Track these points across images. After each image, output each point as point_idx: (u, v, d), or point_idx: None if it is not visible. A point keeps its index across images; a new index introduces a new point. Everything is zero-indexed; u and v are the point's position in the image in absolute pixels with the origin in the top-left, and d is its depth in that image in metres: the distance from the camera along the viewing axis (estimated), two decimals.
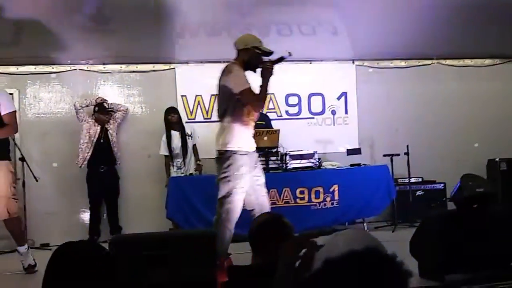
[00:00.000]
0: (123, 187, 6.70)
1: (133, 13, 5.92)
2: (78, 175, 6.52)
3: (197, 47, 6.75)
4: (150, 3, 5.88)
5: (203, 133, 6.81)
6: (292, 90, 7.29)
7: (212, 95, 7.08)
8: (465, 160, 7.22)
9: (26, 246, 4.67)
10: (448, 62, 7.69)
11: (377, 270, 0.80)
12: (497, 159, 7.16)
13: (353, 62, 7.50)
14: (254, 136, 4.21)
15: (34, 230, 6.36)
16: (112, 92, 6.94)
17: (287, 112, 7.34)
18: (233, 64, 4.02)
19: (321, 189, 6.05)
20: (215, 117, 7.03)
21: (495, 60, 7.79)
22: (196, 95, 7.09)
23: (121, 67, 6.98)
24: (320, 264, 0.79)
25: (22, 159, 5.84)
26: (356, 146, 7.01)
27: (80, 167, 6.44)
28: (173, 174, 6.37)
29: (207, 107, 7.12)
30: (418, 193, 6.85)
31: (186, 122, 6.81)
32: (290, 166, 6.13)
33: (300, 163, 6.19)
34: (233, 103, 3.95)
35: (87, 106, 6.54)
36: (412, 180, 6.75)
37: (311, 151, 6.33)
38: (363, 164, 6.54)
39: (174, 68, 7.04)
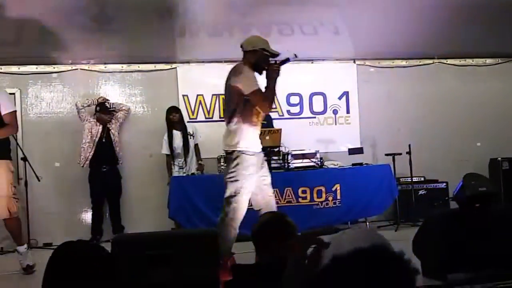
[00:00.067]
0: (125, 187, 6.71)
1: (134, 13, 5.92)
2: (80, 175, 6.53)
3: (198, 47, 6.76)
4: (151, 3, 5.88)
5: (205, 133, 6.82)
6: (294, 89, 7.29)
7: (213, 94, 7.09)
8: (467, 160, 7.23)
9: (25, 246, 4.67)
10: (450, 61, 7.69)
11: (384, 267, 0.80)
12: (499, 159, 7.16)
13: (355, 62, 7.51)
14: None
15: (36, 229, 6.36)
16: (113, 92, 6.95)
17: (288, 111, 7.34)
18: (242, 65, 4.04)
19: (323, 189, 6.05)
20: (216, 116, 7.16)
21: (497, 59, 7.79)
22: (198, 95, 7.09)
23: (122, 66, 6.99)
24: (328, 261, 0.80)
25: (24, 158, 5.84)
26: (358, 146, 7.02)
27: (82, 166, 6.44)
28: (175, 174, 6.38)
29: (208, 107, 7.12)
30: (421, 192, 6.85)
31: (188, 122, 6.82)
32: (292, 166, 6.13)
33: (302, 162, 6.19)
34: (242, 104, 3.97)
35: (88, 105, 6.54)
36: (414, 179, 6.75)
37: (313, 151, 6.33)
38: (365, 164, 6.54)
39: (176, 68, 7.05)
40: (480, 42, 7.19)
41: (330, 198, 6.06)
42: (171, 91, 7.02)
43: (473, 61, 7.76)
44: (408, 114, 7.47)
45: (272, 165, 6.08)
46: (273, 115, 7.04)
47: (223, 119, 6.87)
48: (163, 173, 6.61)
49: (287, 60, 4.02)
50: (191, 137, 6.63)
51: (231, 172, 3.97)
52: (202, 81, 7.05)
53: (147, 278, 2.86)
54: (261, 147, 4.19)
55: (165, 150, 6.56)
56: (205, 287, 2.89)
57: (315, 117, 7.40)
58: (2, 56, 6.46)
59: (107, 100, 6.67)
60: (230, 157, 4.01)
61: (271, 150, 6.07)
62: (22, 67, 6.74)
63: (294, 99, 7.35)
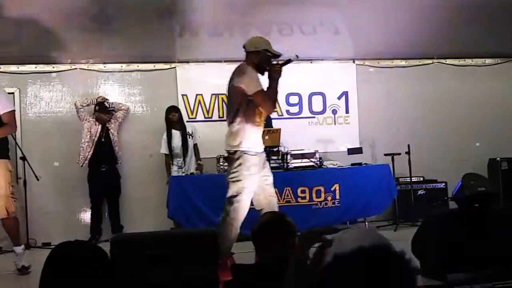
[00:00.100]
0: (124, 186, 6.70)
1: (134, 13, 5.92)
2: (79, 174, 6.52)
3: (198, 46, 6.76)
4: (151, 2, 5.88)
5: (204, 132, 6.82)
6: (293, 89, 7.28)
7: (212, 94, 7.09)
8: (466, 160, 7.23)
9: (22, 247, 4.65)
10: (449, 61, 7.69)
11: (385, 266, 0.80)
12: (498, 159, 7.16)
13: (354, 62, 7.50)
14: None
15: (35, 229, 6.36)
16: (112, 92, 6.94)
17: (288, 111, 7.34)
18: (246, 65, 4.05)
19: (322, 189, 6.05)
20: (216, 116, 7.16)
21: (496, 60, 7.79)
22: (197, 95, 7.09)
23: (121, 66, 6.98)
24: (329, 259, 0.80)
25: (23, 158, 5.83)
26: (357, 146, 7.02)
27: (82, 166, 6.44)
28: (174, 174, 6.37)
29: (208, 107, 7.12)
30: (420, 192, 6.85)
31: (187, 122, 6.81)
32: (291, 166, 6.13)
33: (301, 162, 6.19)
34: (245, 104, 3.98)
35: (88, 105, 6.54)
36: (414, 179, 6.74)
37: (312, 151, 6.33)
38: (364, 164, 6.54)
39: (175, 67, 7.04)
40: (479, 42, 7.19)
41: (329, 198, 6.06)
42: (171, 90, 7.01)
43: (472, 61, 7.76)
44: (407, 114, 7.47)
45: (271, 165, 6.05)
46: (272, 115, 7.02)
47: (222, 118, 6.96)
48: (162, 172, 6.61)
49: (288, 61, 4.07)
50: (190, 137, 6.63)
51: (233, 172, 3.99)
52: (201, 80, 7.05)
53: (147, 278, 2.86)
54: (263, 147, 4.21)
55: (164, 149, 6.56)
56: (205, 287, 2.89)
57: (314, 117, 7.40)
58: (2, 55, 6.44)
59: (106, 99, 6.66)
60: (232, 157, 4.03)
61: (270, 150, 6.06)
62: (21, 67, 6.73)
63: (293, 99, 7.35)
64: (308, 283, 0.82)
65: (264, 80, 4.07)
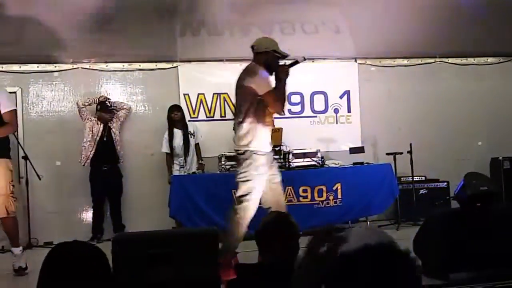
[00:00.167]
0: (126, 186, 6.70)
1: (135, 12, 5.92)
2: (81, 174, 6.53)
3: (199, 45, 6.75)
4: (152, 2, 5.88)
5: (206, 132, 6.82)
6: (295, 88, 7.24)
7: (214, 93, 7.08)
8: (468, 159, 7.23)
9: (20, 248, 4.59)
10: (451, 60, 7.67)
11: (391, 264, 0.81)
12: (500, 158, 7.15)
13: (356, 61, 7.49)
14: None
15: (37, 228, 6.36)
16: (114, 91, 6.95)
17: (289, 110, 7.30)
18: (256, 65, 4.07)
19: (324, 188, 6.04)
20: (217, 115, 7.16)
21: (498, 58, 7.77)
22: (199, 94, 7.08)
23: (123, 65, 6.98)
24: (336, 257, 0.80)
25: (25, 157, 5.84)
26: (359, 145, 7.01)
27: (83, 165, 6.44)
28: (175, 173, 6.38)
29: (209, 106, 7.11)
30: (422, 191, 6.84)
31: (189, 121, 6.81)
32: (293, 165, 6.13)
33: (303, 161, 6.19)
34: (255, 104, 3.99)
35: (89, 104, 6.54)
36: (416, 178, 6.74)
37: (314, 150, 6.33)
38: (366, 163, 6.53)
39: (177, 66, 7.04)
40: (481, 41, 7.18)
41: (331, 197, 6.05)
42: (172, 90, 7.01)
43: (474, 60, 7.74)
44: (409, 113, 7.46)
45: None
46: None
47: (224, 118, 6.98)
48: (164, 172, 6.61)
49: (296, 62, 4.10)
50: (192, 136, 6.63)
51: (243, 172, 4.01)
52: (203, 80, 7.04)
53: (148, 277, 2.86)
54: (271, 147, 4.25)
55: (165, 148, 6.56)
56: (206, 286, 2.90)
57: (316, 116, 7.39)
58: (3, 55, 6.45)
59: (108, 99, 6.67)
60: (242, 157, 4.05)
61: (272, 149, 6.06)
62: (23, 66, 6.74)
63: (295, 98, 7.33)
64: (316, 282, 0.82)
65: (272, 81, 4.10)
